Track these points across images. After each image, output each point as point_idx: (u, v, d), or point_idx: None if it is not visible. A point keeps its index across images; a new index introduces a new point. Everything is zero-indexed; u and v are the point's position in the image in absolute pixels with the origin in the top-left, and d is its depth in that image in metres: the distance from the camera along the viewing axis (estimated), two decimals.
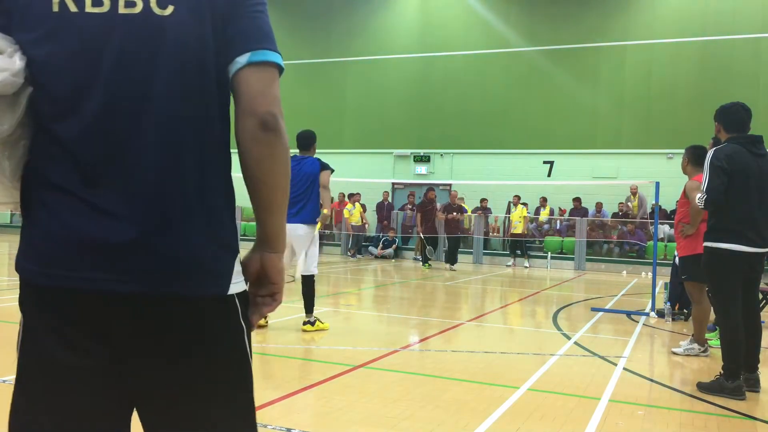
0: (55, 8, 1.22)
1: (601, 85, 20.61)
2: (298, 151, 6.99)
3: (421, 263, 16.78)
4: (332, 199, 8.29)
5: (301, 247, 6.60)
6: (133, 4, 1.24)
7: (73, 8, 1.22)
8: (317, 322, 6.71)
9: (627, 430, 3.90)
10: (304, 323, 6.68)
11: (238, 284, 1.33)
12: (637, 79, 20.20)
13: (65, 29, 1.23)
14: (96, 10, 1.23)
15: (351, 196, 20.39)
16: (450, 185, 20.93)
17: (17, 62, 1.23)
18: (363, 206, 20.38)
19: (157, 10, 1.24)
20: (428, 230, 16.01)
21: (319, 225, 6.76)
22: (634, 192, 18.66)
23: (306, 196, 6.56)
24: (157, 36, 1.24)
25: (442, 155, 22.17)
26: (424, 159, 22.36)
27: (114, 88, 1.23)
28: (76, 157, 1.24)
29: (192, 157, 1.27)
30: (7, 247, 18.30)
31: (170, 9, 1.25)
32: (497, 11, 21.73)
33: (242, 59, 1.29)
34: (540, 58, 21.18)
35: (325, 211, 7.00)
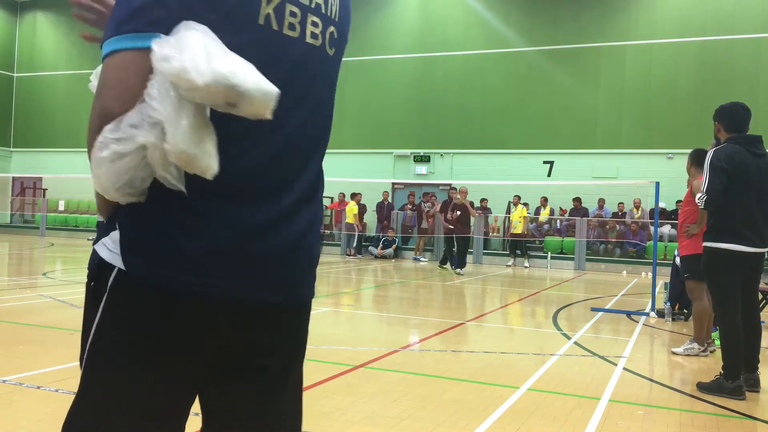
0: (261, 21, 1.25)
1: (601, 85, 20.62)
2: None
3: (439, 265, 16.02)
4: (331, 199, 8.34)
5: None
6: (316, 37, 1.35)
7: (275, 26, 1.27)
8: None
9: (627, 430, 3.90)
10: None
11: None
12: (637, 79, 20.21)
13: (267, 43, 1.27)
14: (290, 33, 1.30)
15: (354, 195, 20.36)
16: (450, 185, 20.95)
17: None
18: (363, 206, 20.35)
19: (328, 50, 1.40)
20: (447, 230, 15.28)
21: None
22: (637, 205, 18.68)
23: None
24: (325, 69, 1.40)
25: (442, 155, 22.18)
26: (424, 159, 22.37)
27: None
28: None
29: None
30: (7, 247, 18.30)
31: (333, 51, 1.42)
32: (497, 11, 21.73)
33: None
34: (540, 58, 21.19)
35: None
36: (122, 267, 1.22)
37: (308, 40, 1.33)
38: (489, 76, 21.64)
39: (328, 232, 21.25)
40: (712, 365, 5.82)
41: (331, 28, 1.39)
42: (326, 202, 21.92)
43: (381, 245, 19.69)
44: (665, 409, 4.45)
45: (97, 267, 1.27)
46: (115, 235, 1.25)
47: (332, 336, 6.78)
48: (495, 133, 21.38)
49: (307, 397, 4.52)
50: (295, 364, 1.50)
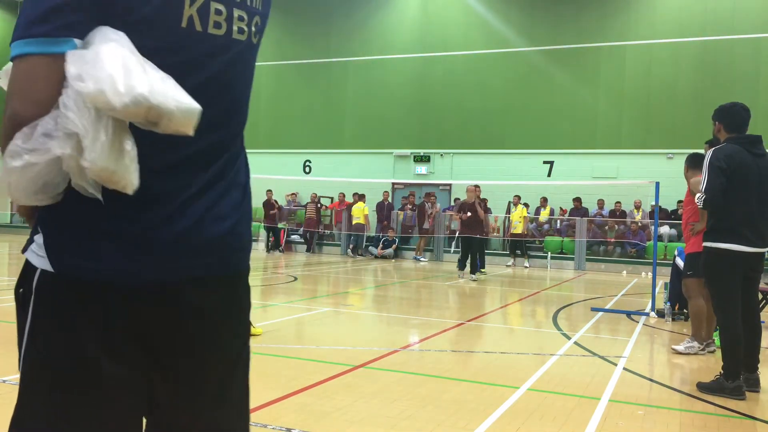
0: (183, 24, 1.24)
1: (601, 85, 20.61)
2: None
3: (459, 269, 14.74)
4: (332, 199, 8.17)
5: None
6: (243, 31, 1.34)
7: (198, 27, 1.27)
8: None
9: (627, 430, 3.90)
10: None
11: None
12: (637, 79, 20.21)
13: (190, 46, 1.26)
14: (215, 32, 1.29)
15: (361, 196, 20.33)
16: (450, 185, 20.94)
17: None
18: (378, 204, 20.36)
19: (253, 40, 1.39)
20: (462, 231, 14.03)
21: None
22: (637, 206, 18.68)
23: None
24: (250, 60, 1.40)
25: (442, 155, 22.17)
26: (424, 159, 22.36)
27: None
28: None
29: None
30: (7, 247, 18.29)
31: (256, 39, 1.40)
32: (497, 11, 21.73)
33: None
34: (540, 58, 21.18)
35: None
36: (45, 268, 1.25)
37: (235, 36, 1.32)
38: (489, 76, 21.63)
39: (328, 232, 21.25)
40: (712, 365, 5.82)
41: (256, 18, 1.37)
42: (326, 202, 21.92)
43: (381, 245, 19.69)
44: (665, 409, 4.44)
45: (24, 272, 1.31)
46: (39, 238, 1.28)
47: (332, 336, 6.78)
48: (495, 133, 21.37)
49: (307, 397, 4.53)
50: (231, 339, 1.42)
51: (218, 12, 1.27)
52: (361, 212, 19.73)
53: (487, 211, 14.78)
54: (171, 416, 1.38)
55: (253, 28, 1.36)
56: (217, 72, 1.30)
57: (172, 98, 1.10)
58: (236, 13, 1.31)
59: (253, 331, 6.39)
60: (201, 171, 1.32)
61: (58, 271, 1.25)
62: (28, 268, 1.30)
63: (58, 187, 1.17)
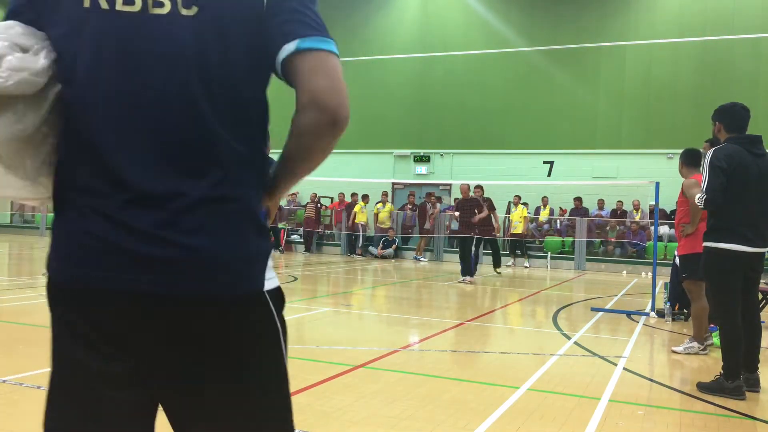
0: (86, 4, 1.24)
1: (601, 85, 20.62)
2: None
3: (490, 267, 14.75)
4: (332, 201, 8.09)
5: None
6: (161, 5, 1.25)
7: (104, 5, 1.24)
8: None
9: (627, 430, 3.90)
10: None
11: None
12: (637, 79, 20.21)
13: (96, 26, 1.24)
14: (127, 8, 1.24)
15: (364, 197, 20.35)
16: (450, 185, 20.94)
17: (41, 61, 1.23)
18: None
19: (182, 11, 1.25)
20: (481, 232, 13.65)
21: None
22: (636, 207, 18.68)
23: None
24: (181, 32, 1.25)
25: (442, 155, 22.18)
26: (424, 159, 22.37)
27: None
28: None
29: None
30: (7, 247, 18.30)
31: (194, 10, 1.25)
32: (497, 11, 21.74)
33: (290, 46, 1.32)
34: (540, 58, 21.19)
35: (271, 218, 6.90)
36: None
37: (152, 11, 1.24)
38: (489, 76, 21.64)
39: (328, 232, 21.24)
40: (711, 365, 5.82)
41: None
42: (326, 202, 21.92)
43: (381, 245, 19.70)
44: (665, 409, 4.44)
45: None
46: None
47: (332, 336, 6.78)
48: (495, 133, 21.38)
49: (307, 396, 4.53)
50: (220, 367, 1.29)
51: None
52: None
53: (492, 209, 14.54)
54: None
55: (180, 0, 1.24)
56: (135, 49, 1.23)
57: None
58: None
59: None
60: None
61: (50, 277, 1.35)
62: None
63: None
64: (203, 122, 1.26)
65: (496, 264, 14.83)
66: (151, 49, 1.24)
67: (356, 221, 19.86)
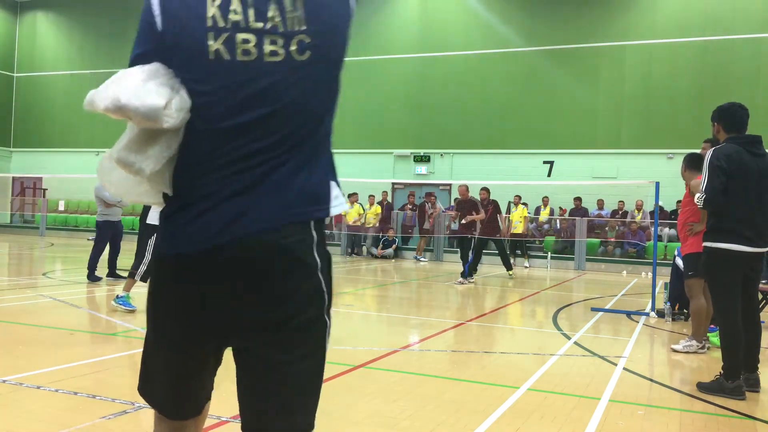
0: (211, 57, 1.57)
1: (601, 85, 20.62)
2: None
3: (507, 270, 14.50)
4: None
5: None
6: (276, 54, 1.58)
7: (226, 57, 1.57)
8: None
9: (627, 430, 3.90)
10: None
11: None
12: (637, 79, 20.21)
13: (220, 73, 1.57)
14: (245, 58, 1.57)
15: (368, 197, 20.34)
16: (450, 185, 20.93)
17: (187, 99, 1.57)
18: (378, 204, 20.30)
19: (297, 57, 1.59)
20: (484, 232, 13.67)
21: None
22: (639, 207, 18.67)
23: None
24: (295, 76, 1.60)
25: (442, 155, 22.18)
26: (424, 159, 22.37)
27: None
28: None
29: None
30: (7, 247, 18.30)
31: (307, 55, 1.60)
32: (497, 11, 21.73)
33: None
34: (540, 58, 21.19)
35: None
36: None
37: (267, 59, 1.56)
38: (489, 76, 21.64)
39: (328, 232, 21.24)
40: (711, 365, 5.82)
41: (298, 38, 1.57)
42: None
43: (381, 245, 19.70)
44: (665, 409, 4.44)
45: None
46: None
47: (332, 336, 6.76)
48: (495, 133, 21.38)
49: None
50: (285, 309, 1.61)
51: (245, 41, 1.56)
52: (356, 212, 19.73)
53: (497, 210, 14.48)
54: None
55: (294, 47, 1.57)
56: (255, 90, 1.56)
57: (136, 100, 1.50)
58: (267, 38, 1.56)
59: None
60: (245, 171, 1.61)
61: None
62: None
63: (150, 190, 1.68)
64: None
65: (507, 266, 14.61)
66: (267, 87, 1.61)
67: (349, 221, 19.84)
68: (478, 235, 13.52)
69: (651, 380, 5.22)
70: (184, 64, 1.58)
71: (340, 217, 20.43)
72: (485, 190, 14.21)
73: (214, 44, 1.55)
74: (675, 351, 6.36)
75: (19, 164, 28.60)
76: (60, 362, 4.85)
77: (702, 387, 4.86)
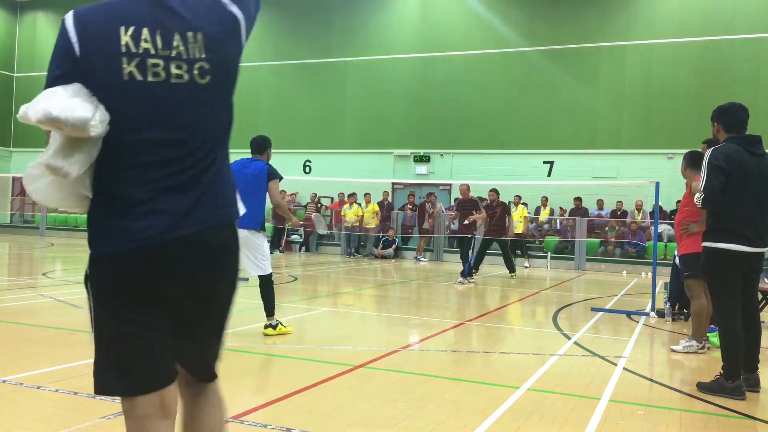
0: (125, 77, 1.83)
1: (601, 85, 20.61)
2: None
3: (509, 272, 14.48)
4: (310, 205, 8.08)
5: (244, 250, 6.25)
6: (181, 76, 1.87)
7: (139, 77, 1.84)
8: (279, 326, 6.35)
9: (627, 430, 3.90)
10: (266, 327, 6.34)
11: None
12: (637, 79, 20.21)
13: (133, 91, 1.84)
14: (155, 79, 1.85)
15: (366, 195, 20.29)
16: (450, 185, 20.93)
17: (107, 113, 1.82)
18: (378, 204, 20.24)
19: (199, 80, 1.89)
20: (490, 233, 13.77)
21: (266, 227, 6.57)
22: (639, 207, 18.67)
23: (249, 199, 6.20)
24: (199, 96, 1.91)
25: (442, 155, 22.18)
26: (424, 159, 22.37)
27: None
28: None
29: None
30: (7, 248, 18.30)
31: (207, 79, 1.90)
32: (497, 11, 21.73)
33: None
34: (540, 58, 21.18)
35: (291, 221, 7.13)
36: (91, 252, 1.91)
37: (174, 81, 1.85)
38: (489, 76, 21.64)
39: (328, 232, 21.24)
40: (711, 365, 5.82)
41: (199, 64, 1.88)
42: (326, 202, 21.91)
43: (381, 245, 19.70)
44: (665, 409, 4.44)
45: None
46: None
47: (332, 336, 6.78)
48: (495, 133, 21.38)
49: (307, 396, 4.52)
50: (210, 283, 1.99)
51: (155, 65, 1.84)
52: (353, 213, 19.72)
53: (506, 211, 14.40)
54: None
55: (196, 72, 1.87)
56: (167, 104, 1.86)
57: (66, 112, 1.74)
58: (173, 63, 1.85)
59: (283, 330, 6.39)
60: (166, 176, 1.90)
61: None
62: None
63: (79, 195, 1.90)
64: None
65: (510, 269, 14.57)
66: (175, 103, 1.90)
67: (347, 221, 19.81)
68: (485, 235, 13.53)
69: (651, 380, 5.22)
70: (102, 84, 1.83)
71: (339, 217, 20.43)
72: (494, 191, 14.16)
73: (128, 67, 1.83)
74: (675, 352, 6.36)
75: (19, 164, 28.59)
76: (60, 362, 4.85)
77: (702, 387, 4.86)
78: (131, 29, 1.84)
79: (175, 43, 1.86)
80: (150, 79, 1.84)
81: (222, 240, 1.94)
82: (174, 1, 1.89)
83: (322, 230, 9.30)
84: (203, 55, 1.89)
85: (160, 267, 1.86)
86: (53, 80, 1.84)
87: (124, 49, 1.83)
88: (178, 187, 1.86)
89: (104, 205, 1.87)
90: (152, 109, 1.85)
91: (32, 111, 1.76)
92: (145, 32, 1.84)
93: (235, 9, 1.96)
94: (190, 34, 1.88)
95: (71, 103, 1.76)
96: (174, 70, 1.85)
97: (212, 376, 2.12)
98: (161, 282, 1.87)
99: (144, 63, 1.84)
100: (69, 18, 1.88)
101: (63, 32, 1.86)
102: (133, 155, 1.85)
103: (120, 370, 1.90)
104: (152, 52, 1.84)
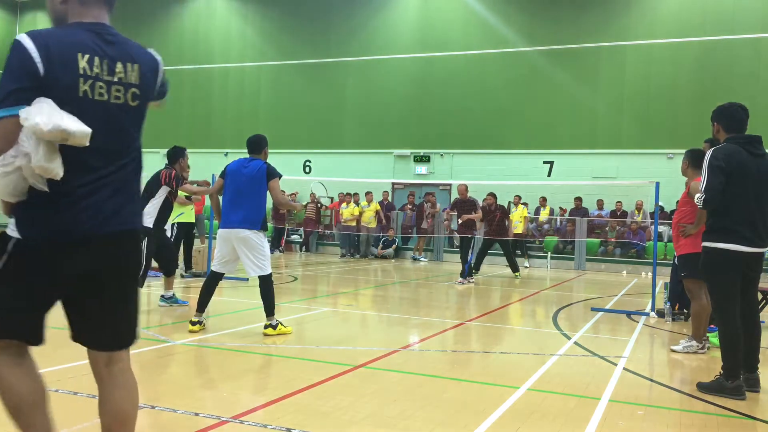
0: (80, 94, 2.26)
1: (601, 85, 20.61)
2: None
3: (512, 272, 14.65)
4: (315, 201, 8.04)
5: (244, 250, 6.33)
6: (119, 98, 2.36)
7: (90, 96, 2.29)
8: (279, 326, 6.34)
9: (627, 430, 3.90)
10: (265, 327, 6.34)
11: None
12: (637, 80, 20.20)
13: (86, 106, 2.27)
14: (100, 99, 2.31)
15: (368, 193, 20.21)
16: (450, 185, 20.92)
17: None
18: (379, 203, 20.16)
19: (130, 103, 2.40)
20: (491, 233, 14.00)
21: (268, 228, 6.63)
22: (639, 207, 18.66)
23: (248, 199, 6.33)
24: (129, 115, 2.42)
25: (442, 155, 22.17)
26: (424, 159, 22.36)
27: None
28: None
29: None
30: None
31: (135, 102, 2.42)
32: (497, 11, 21.73)
33: None
34: (540, 58, 21.18)
35: (296, 208, 7.26)
36: (18, 237, 2.27)
37: (112, 101, 2.34)
38: (489, 76, 21.63)
39: (327, 232, 21.24)
40: (711, 365, 5.82)
41: (132, 90, 2.39)
42: (326, 202, 21.91)
43: (381, 245, 19.69)
44: (665, 409, 4.45)
45: (1, 239, 2.31)
46: (12, 221, 2.30)
47: (332, 336, 6.78)
48: (495, 133, 21.38)
49: (307, 397, 4.52)
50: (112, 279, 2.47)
51: (101, 87, 2.30)
52: (349, 213, 19.69)
53: (505, 214, 14.47)
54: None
55: (129, 96, 2.38)
56: (106, 119, 2.32)
57: (74, 126, 2.15)
58: (113, 87, 2.33)
59: (283, 330, 6.39)
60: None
61: (25, 236, 2.29)
62: (4, 237, 2.30)
63: (24, 188, 2.24)
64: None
65: (514, 269, 14.67)
66: (112, 118, 2.37)
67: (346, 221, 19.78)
68: (485, 236, 13.61)
69: (651, 380, 5.22)
70: (62, 99, 2.20)
71: (338, 217, 20.43)
72: (492, 195, 14.25)
73: (83, 86, 2.26)
74: (675, 352, 6.36)
75: None
76: (60, 362, 4.84)
77: (702, 387, 4.86)
78: (86, 56, 2.27)
79: (117, 71, 2.35)
80: (97, 98, 2.29)
81: (135, 241, 2.50)
82: (115, 38, 2.38)
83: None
84: (136, 83, 2.40)
85: (86, 256, 2.30)
86: (12, 93, 2.15)
87: (81, 72, 2.25)
88: (108, 188, 2.31)
89: (45, 199, 2.22)
90: (96, 122, 2.25)
91: (43, 122, 2.10)
92: (96, 60, 2.30)
93: (155, 54, 2.53)
94: (129, 64, 2.38)
95: (72, 118, 2.17)
96: (114, 93, 2.34)
97: (110, 347, 2.53)
98: (82, 267, 2.33)
99: (94, 85, 2.29)
100: (26, 39, 2.19)
101: (22, 51, 2.18)
102: (86, 161, 2.26)
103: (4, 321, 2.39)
104: (101, 76, 2.30)
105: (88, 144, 2.18)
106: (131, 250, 2.48)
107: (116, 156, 2.36)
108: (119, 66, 2.35)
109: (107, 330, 2.52)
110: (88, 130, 2.17)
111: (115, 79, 2.33)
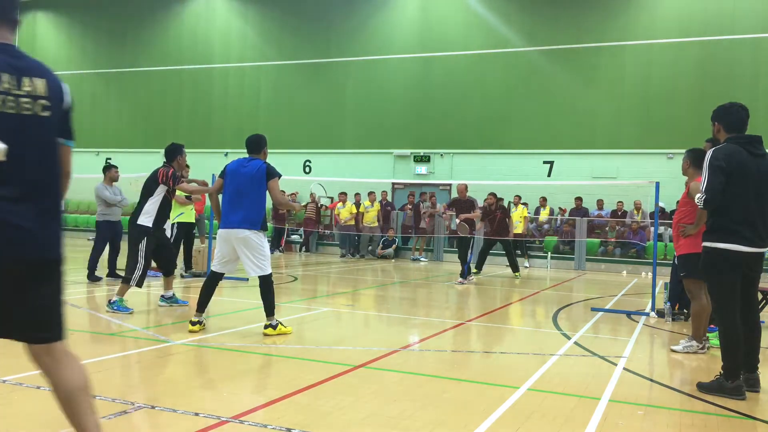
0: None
1: (601, 86, 20.61)
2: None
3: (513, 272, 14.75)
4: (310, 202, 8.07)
5: (244, 250, 6.32)
6: (29, 109, 2.49)
7: (1, 108, 2.44)
8: (279, 326, 6.35)
9: (627, 430, 3.90)
10: (265, 327, 6.34)
11: None
12: (637, 80, 20.21)
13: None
14: (10, 111, 2.45)
15: (370, 193, 20.17)
16: (450, 185, 20.92)
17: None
18: (380, 204, 20.13)
19: (41, 113, 2.51)
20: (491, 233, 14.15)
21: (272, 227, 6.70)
22: (638, 207, 18.66)
23: (248, 199, 6.32)
24: (43, 125, 2.53)
25: (442, 155, 22.18)
26: (424, 159, 22.37)
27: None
28: None
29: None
30: None
31: (48, 113, 2.54)
32: (497, 11, 21.74)
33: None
34: (540, 59, 21.19)
35: (296, 209, 7.43)
36: None
37: (23, 112, 2.47)
38: (489, 76, 21.64)
39: (327, 232, 21.24)
40: (711, 365, 5.82)
41: (41, 101, 2.51)
42: (326, 202, 21.91)
43: (381, 245, 19.69)
44: (665, 409, 4.44)
45: None
46: None
47: (332, 336, 6.78)
48: (495, 133, 21.38)
49: (307, 397, 4.51)
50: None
51: (10, 101, 2.44)
52: (348, 211, 19.68)
53: (505, 213, 14.53)
54: None
55: (39, 108, 2.50)
56: (18, 132, 2.44)
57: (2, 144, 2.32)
58: (21, 101, 2.46)
59: (283, 330, 6.39)
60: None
61: None
62: None
63: None
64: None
65: (515, 269, 14.70)
66: (23, 129, 2.51)
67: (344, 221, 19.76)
68: (486, 236, 13.63)
69: (651, 380, 5.22)
70: None
71: (337, 218, 20.43)
72: (492, 195, 14.31)
73: None
74: (675, 352, 6.36)
75: None
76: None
77: (702, 387, 4.86)
78: None
79: (24, 84, 2.50)
80: (8, 111, 2.44)
81: (57, 267, 2.67)
82: (22, 55, 2.56)
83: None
84: (45, 95, 2.54)
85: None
86: None
87: None
88: (28, 214, 2.46)
89: None
90: (11, 134, 2.41)
91: None
92: (6, 76, 2.46)
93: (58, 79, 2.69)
94: (36, 79, 2.54)
95: None
96: (23, 105, 2.49)
97: (40, 339, 2.84)
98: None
99: (5, 98, 2.45)
100: None
101: None
102: (4, 173, 2.40)
103: None
104: (10, 90, 2.46)
105: (3, 159, 2.35)
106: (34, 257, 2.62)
107: (41, 176, 2.51)
108: (26, 81, 2.51)
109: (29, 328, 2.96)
110: (3, 146, 2.35)
111: (23, 92, 2.48)
